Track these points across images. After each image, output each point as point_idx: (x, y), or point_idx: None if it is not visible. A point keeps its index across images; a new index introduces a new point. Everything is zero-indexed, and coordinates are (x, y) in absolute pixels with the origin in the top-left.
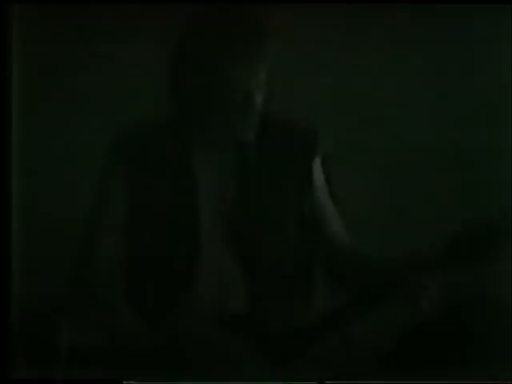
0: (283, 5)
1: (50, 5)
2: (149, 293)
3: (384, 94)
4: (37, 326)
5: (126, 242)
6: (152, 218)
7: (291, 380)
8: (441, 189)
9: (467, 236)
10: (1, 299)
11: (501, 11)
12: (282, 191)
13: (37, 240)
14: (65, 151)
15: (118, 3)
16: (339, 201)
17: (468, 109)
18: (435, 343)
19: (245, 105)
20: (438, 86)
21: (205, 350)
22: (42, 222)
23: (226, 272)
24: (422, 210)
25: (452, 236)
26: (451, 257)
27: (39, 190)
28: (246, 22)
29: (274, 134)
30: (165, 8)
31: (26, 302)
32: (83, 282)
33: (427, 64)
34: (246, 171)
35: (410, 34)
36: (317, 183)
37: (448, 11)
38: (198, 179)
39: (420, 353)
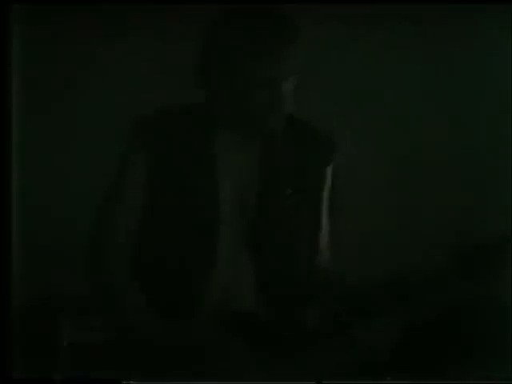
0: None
1: (50, 5)
2: (160, 288)
3: (386, 99)
4: (37, 326)
5: (142, 233)
6: (170, 208)
7: (291, 380)
8: (448, 201)
9: (478, 253)
10: (1, 299)
11: (501, 11)
12: (301, 192)
13: (37, 240)
14: (65, 151)
15: (118, 3)
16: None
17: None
18: (435, 343)
19: (270, 94)
20: (439, 88)
21: (211, 349)
22: (42, 221)
23: (238, 268)
24: (426, 224)
25: (462, 253)
26: (461, 273)
27: (39, 190)
28: (276, 16)
29: (297, 133)
30: (164, 7)
31: (26, 302)
32: (95, 271)
33: (429, 67)
34: (269, 165)
35: (415, 37)
36: (325, 193)
37: (448, 12)
38: (220, 170)
39: (419, 353)
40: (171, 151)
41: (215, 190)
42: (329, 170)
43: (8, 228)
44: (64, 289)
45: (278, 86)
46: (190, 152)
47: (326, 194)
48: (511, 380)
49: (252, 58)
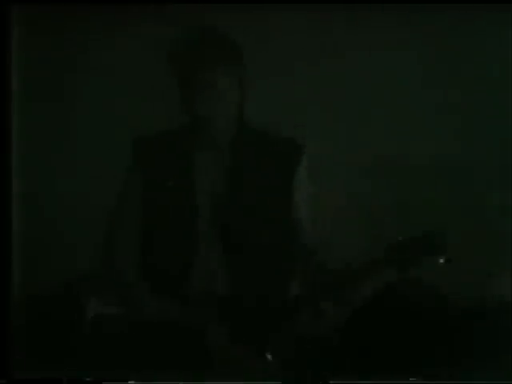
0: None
1: (50, 5)
2: (151, 283)
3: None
4: (37, 325)
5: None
6: (160, 213)
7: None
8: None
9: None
10: (1, 299)
11: (502, 11)
12: (265, 194)
13: (37, 240)
14: (65, 151)
15: (119, 3)
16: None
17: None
18: (435, 343)
19: (217, 103)
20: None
21: (196, 340)
22: (41, 221)
23: (214, 260)
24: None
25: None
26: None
27: (39, 190)
28: (219, 36)
29: (262, 143)
30: (165, 7)
31: (27, 302)
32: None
33: (424, 67)
34: (233, 172)
35: (408, 36)
36: (298, 192)
37: (448, 13)
38: (196, 179)
39: (418, 352)
40: (160, 169)
41: (194, 199)
42: (302, 172)
43: (8, 228)
44: (64, 288)
45: (223, 98)
46: (174, 170)
47: (301, 196)
48: (511, 380)
49: (198, 70)
